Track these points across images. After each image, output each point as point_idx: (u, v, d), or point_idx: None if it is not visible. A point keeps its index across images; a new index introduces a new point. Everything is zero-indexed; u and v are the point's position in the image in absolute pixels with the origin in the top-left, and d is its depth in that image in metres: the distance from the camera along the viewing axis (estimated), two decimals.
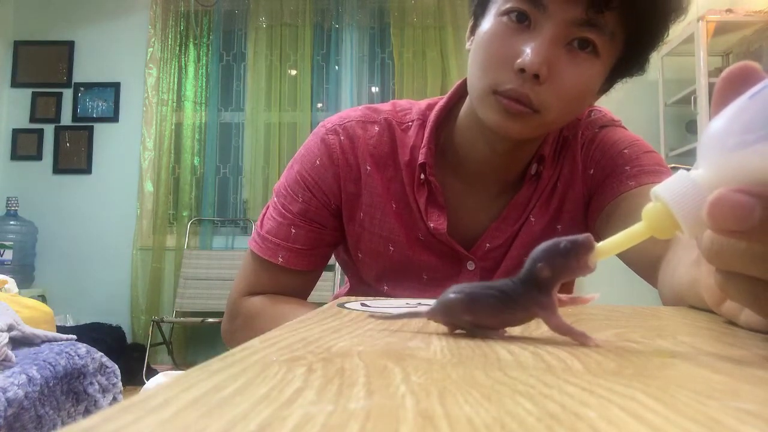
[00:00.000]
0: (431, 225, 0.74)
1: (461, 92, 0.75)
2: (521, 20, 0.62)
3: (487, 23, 0.65)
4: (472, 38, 0.69)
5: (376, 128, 0.77)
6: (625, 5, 0.60)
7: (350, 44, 3.67)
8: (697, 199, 0.23)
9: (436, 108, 0.76)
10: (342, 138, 0.76)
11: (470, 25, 0.70)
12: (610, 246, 0.27)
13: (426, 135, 0.74)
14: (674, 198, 0.24)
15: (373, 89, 3.74)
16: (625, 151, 0.74)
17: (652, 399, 0.16)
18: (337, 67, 3.70)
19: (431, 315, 0.30)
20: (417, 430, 0.13)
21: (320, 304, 0.49)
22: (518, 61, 0.61)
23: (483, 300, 0.28)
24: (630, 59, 0.67)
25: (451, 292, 0.29)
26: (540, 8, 0.60)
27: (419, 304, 0.47)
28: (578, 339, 0.27)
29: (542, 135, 0.73)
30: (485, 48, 0.64)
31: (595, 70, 0.64)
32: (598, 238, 0.27)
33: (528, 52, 0.60)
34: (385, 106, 0.80)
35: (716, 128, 0.23)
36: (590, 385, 0.18)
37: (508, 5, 0.62)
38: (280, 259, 0.76)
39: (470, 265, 0.77)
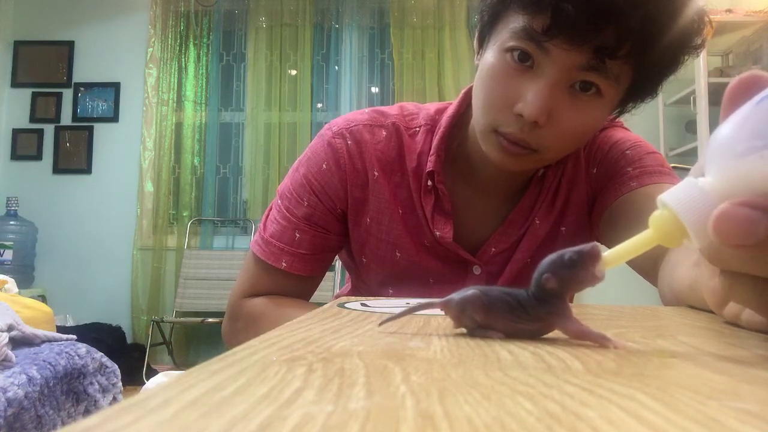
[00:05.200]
0: (437, 233, 0.74)
1: (470, 99, 0.74)
2: (524, 60, 0.60)
3: (492, 56, 0.63)
4: (478, 58, 0.67)
5: (384, 133, 0.76)
6: (633, 55, 0.58)
7: (350, 44, 3.67)
8: (705, 208, 0.23)
9: (447, 115, 0.75)
10: (349, 142, 0.75)
11: (477, 38, 0.68)
12: (617, 254, 0.27)
13: (435, 142, 0.74)
14: (682, 206, 0.24)
15: (373, 89, 3.74)
16: (628, 152, 0.74)
17: (652, 399, 0.16)
18: (337, 67, 3.70)
19: (445, 305, 0.30)
20: (417, 430, 0.13)
21: (321, 304, 0.49)
22: (518, 106, 0.60)
23: (499, 304, 0.28)
24: (638, 94, 0.66)
25: (471, 289, 0.29)
26: (543, 50, 0.58)
27: (420, 303, 0.47)
28: (598, 341, 0.26)
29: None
30: (487, 85, 0.63)
31: (597, 112, 0.63)
32: (602, 240, 0.27)
33: (528, 99, 0.59)
34: (393, 110, 0.79)
35: (723, 135, 0.23)
36: (590, 385, 0.18)
37: (511, 43, 0.60)
38: (284, 264, 0.75)
39: (476, 270, 0.77)
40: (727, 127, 0.23)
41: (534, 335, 0.29)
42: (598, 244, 0.27)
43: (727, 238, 0.21)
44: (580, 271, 0.27)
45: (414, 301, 0.49)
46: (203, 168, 3.63)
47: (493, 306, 0.28)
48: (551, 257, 0.28)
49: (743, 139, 0.22)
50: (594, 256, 0.26)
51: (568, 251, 0.27)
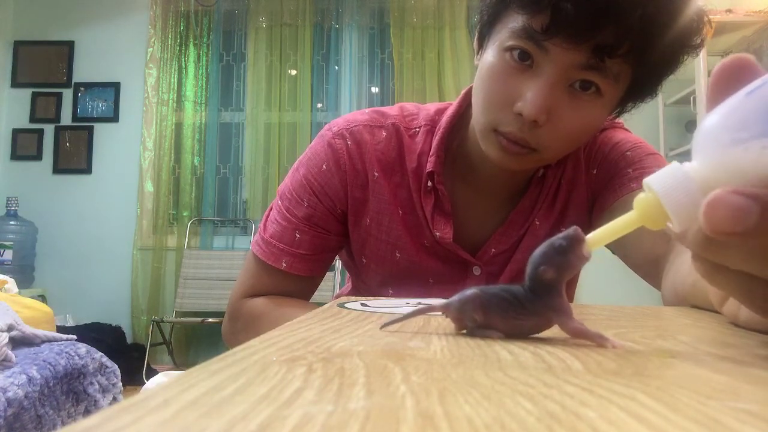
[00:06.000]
0: (437, 234, 0.74)
1: (470, 99, 0.74)
2: (523, 59, 0.60)
3: (491, 55, 0.63)
4: (478, 57, 0.68)
5: (384, 133, 0.76)
6: (632, 54, 0.58)
7: (350, 44, 3.67)
8: (687, 192, 0.23)
9: (447, 115, 0.75)
10: (349, 143, 0.75)
11: (477, 38, 0.68)
12: (602, 235, 0.27)
13: (435, 143, 0.74)
14: (665, 189, 0.24)
15: (373, 89, 3.74)
16: (628, 153, 0.74)
17: (652, 399, 0.16)
18: (337, 67, 3.70)
19: (445, 309, 0.30)
20: (417, 430, 0.13)
21: (321, 304, 0.49)
22: (518, 105, 0.60)
23: (496, 302, 0.28)
24: (638, 93, 0.66)
25: (469, 290, 0.30)
26: (542, 50, 0.58)
27: (419, 303, 0.47)
28: (596, 341, 0.27)
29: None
30: (487, 84, 0.63)
31: (597, 111, 0.63)
32: None
33: (527, 98, 0.59)
34: (393, 110, 0.79)
35: (712, 123, 0.23)
36: (590, 385, 0.18)
37: (511, 42, 0.60)
38: (284, 265, 0.75)
39: (476, 270, 0.77)
40: (715, 116, 0.23)
41: (533, 331, 0.29)
42: (578, 227, 0.28)
43: (717, 225, 0.21)
44: (571, 255, 0.27)
45: (414, 301, 0.49)
46: (203, 168, 3.63)
47: (490, 304, 0.29)
48: (541, 249, 0.28)
49: (730, 129, 0.22)
50: (580, 239, 0.27)
51: (556, 239, 0.27)
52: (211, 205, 3.60)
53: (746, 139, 0.21)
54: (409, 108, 0.79)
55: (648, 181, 0.25)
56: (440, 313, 0.31)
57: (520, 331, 0.29)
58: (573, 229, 0.27)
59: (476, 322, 0.29)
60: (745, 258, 0.23)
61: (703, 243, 0.23)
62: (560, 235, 0.27)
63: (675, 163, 0.24)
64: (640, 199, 0.25)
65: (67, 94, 3.67)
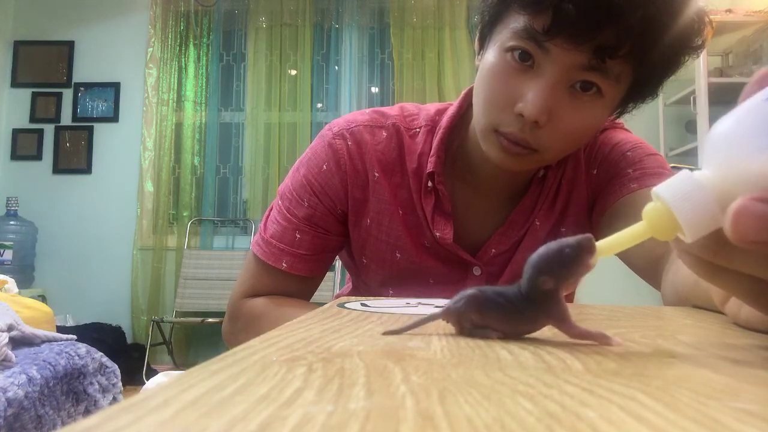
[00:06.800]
0: (437, 234, 0.74)
1: (471, 99, 0.74)
2: (525, 59, 0.60)
3: (492, 56, 0.63)
4: (479, 58, 0.68)
5: (384, 133, 0.76)
6: (633, 54, 0.58)
7: (350, 44, 3.67)
8: (700, 201, 0.22)
9: (447, 115, 0.75)
10: (349, 143, 0.75)
11: (478, 38, 0.68)
12: (609, 245, 0.26)
13: (435, 143, 0.74)
14: (676, 199, 0.23)
15: (373, 89, 3.74)
16: (629, 153, 0.74)
17: (652, 399, 0.16)
18: (337, 68, 3.70)
19: (445, 315, 0.30)
20: (417, 430, 0.13)
21: (321, 304, 0.49)
22: (519, 105, 0.60)
23: (492, 305, 0.28)
24: (639, 94, 0.66)
25: (466, 292, 0.29)
26: (544, 50, 0.58)
27: (419, 303, 0.47)
28: (599, 341, 0.26)
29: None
30: (488, 84, 0.63)
31: (598, 111, 0.62)
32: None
33: (528, 98, 0.59)
34: (393, 110, 0.79)
35: (726, 129, 0.22)
36: (590, 385, 0.18)
37: (512, 43, 0.60)
38: (284, 265, 0.75)
39: (476, 271, 0.77)
40: (729, 123, 0.22)
41: (531, 332, 0.29)
42: (591, 236, 0.27)
43: (745, 233, 0.21)
44: (576, 266, 0.26)
45: (414, 302, 0.49)
46: (203, 168, 3.63)
47: (487, 306, 0.28)
48: (545, 254, 0.27)
49: (747, 137, 0.21)
50: (591, 250, 0.26)
51: (566, 245, 0.27)
52: (211, 205, 3.60)
53: (765, 146, 0.21)
54: (409, 108, 0.79)
55: (657, 190, 0.24)
56: (442, 318, 0.31)
57: (517, 333, 0.29)
58: (587, 238, 0.26)
59: (473, 323, 0.29)
60: (757, 263, 0.22)
61: (713, 249, 0.23)
62: (570, 240, 0.26)
63: (686, 171, 0.23)
64: (648, 210, 0.24)
65: (67, 94, 3.67)
